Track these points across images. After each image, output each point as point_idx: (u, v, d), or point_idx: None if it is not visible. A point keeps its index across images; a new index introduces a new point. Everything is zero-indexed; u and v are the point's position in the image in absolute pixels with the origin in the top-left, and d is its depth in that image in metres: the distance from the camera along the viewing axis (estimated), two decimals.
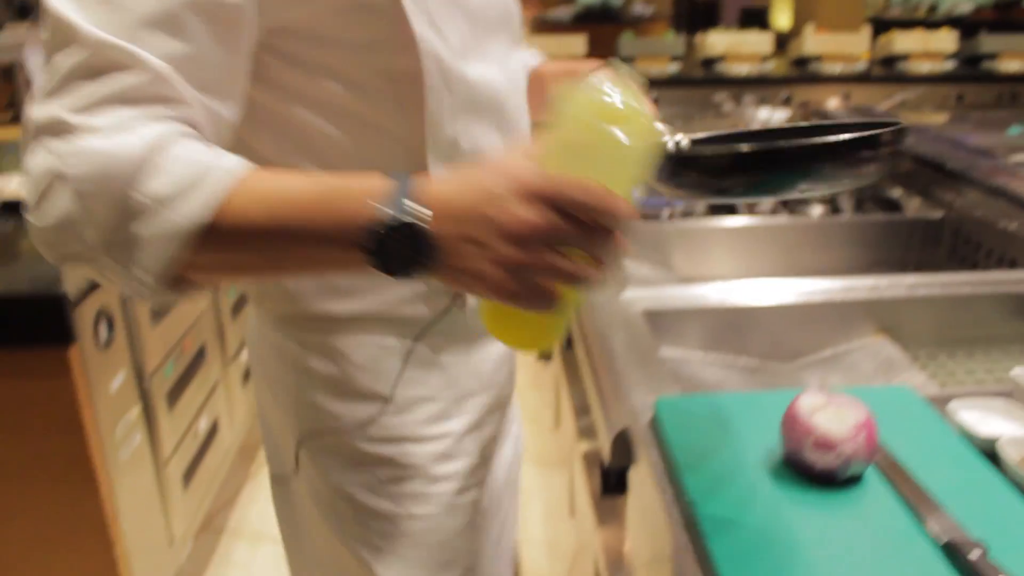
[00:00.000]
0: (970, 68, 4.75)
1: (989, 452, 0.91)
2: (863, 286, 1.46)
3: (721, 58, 4.57)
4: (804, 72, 4.56)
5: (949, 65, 4.73)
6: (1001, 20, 9.55)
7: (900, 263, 1.92)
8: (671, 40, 4.63)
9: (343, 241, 0.67)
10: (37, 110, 0.69)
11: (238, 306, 2.67)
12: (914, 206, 1.98)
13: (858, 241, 1.91)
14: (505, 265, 0.64)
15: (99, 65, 0.68)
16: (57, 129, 0.68)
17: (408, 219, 0.64)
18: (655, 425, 0.99)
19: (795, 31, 6.82)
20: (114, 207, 0.67)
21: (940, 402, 1.02)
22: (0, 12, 1.95)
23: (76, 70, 0.68)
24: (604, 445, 1.06)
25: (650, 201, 1.94)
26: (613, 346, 1.22)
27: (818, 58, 4.66)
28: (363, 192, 0.67)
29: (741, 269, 1.88)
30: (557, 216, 0.63)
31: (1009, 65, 4.74)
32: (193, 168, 0.68)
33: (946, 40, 4.77)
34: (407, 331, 0.97)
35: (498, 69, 0.96)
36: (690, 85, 4.35)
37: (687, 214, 1.95)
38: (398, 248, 0.65)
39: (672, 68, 4.54)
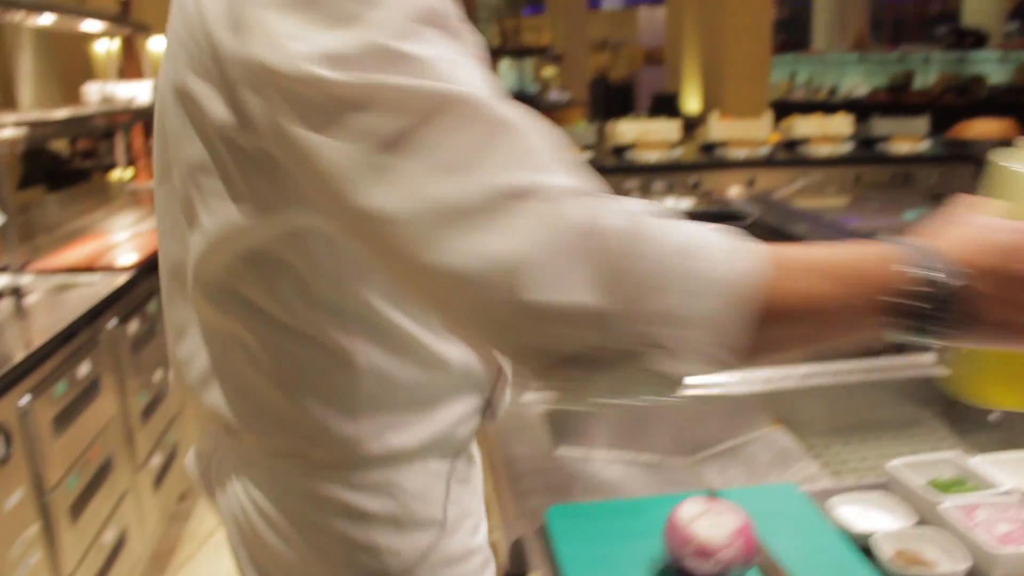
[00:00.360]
0: (866, 150, 4.98)
1: (865, 547, 0.94)
2: (758, 378, 1.50)
3: (632, 146, 4.72)
4: (711, 158, 4.73)
5: (847, 148, 4.95)
6: (894, 102, 10.08)
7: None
8: (583, 129, 4.77)
9: (869, 302, 0.65)
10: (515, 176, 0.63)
11: (148, 410, 2.61)
12: None
13: None
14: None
15: None
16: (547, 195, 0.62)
17: (952, 281, 0.63)
18: (546, 534, 1.00)
19: (703, 117, 7.09)
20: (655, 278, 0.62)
21: (823, 497, 1.05)
22: None
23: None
24: (502, 554, 1.06)
25: None
26: (512, 450, 1.23)
27: (724, 144, 4.83)
28: (889, 260, 0.65)
29: None
30: None
31: (900, 147, 4.99)
32: (731, 242, 0.66)
33: (842, 124, 5.01)
34: (449, 451, 0.95)
35: None
36: (602, 173, 4.46)
37: None
38: (937, 310, 0.64)
39: (585, 155, 4.66)
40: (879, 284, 0.64)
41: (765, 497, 1.02)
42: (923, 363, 1.57)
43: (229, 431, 0.92)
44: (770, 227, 2.41)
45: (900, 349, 1.73)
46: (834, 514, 1.00)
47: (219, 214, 0.78)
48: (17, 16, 2.88)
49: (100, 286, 2.43)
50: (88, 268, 2.65)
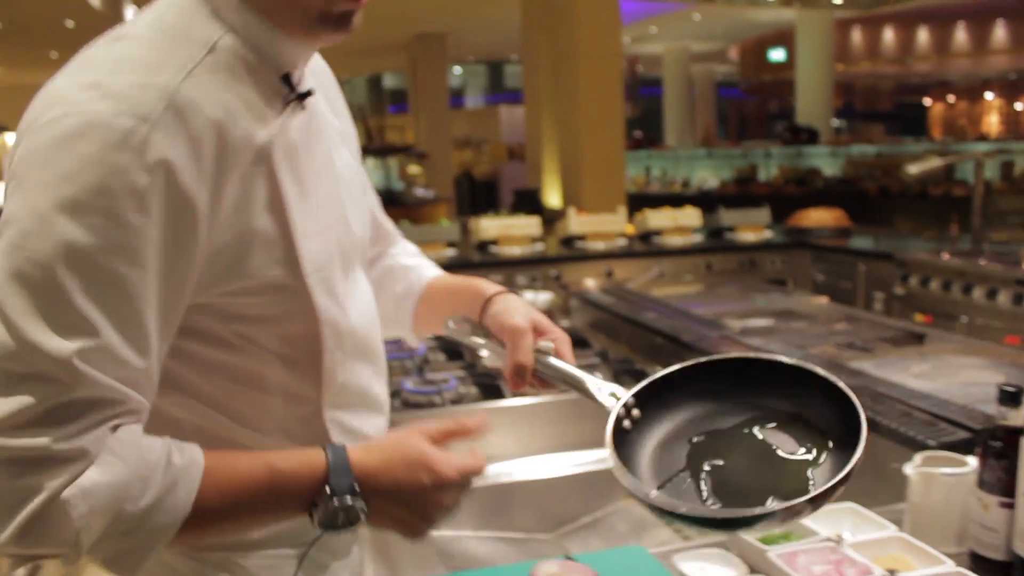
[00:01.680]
0: (715, 240, 5.32)
1: None
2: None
3: (495, 241, 4.90)
4: (571, 251, 4.96)
5: (697, 238, 5.28)
6: (742, 193, 10.74)
7: None
8: (447, 226, 4.93)
9: (292, 513, 0.88)
10: (8, 442, 0.77)
11: None
12: None
13: None
14: (406, 523, 0.93)
15: (79, 399, 0.79)
16: (48, 460, 0.78)
17: (347, 503, 0.87)
18: None
19: (563, 211, 7.39)
20: (111, 524, 0.79)
21: (668, 556, 1.17)
22: None
23: (51, 406, 0.78)
24: None
25: (420, 389, 2.07)
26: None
27: (583, 237, 5.08)
28: (310, 477, 0.87)
29: (514, 447, 2.02)
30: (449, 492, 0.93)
31: (746, 236, 5.36)
32: (167, 475, 0.82)
33: (692, 216, 5.34)
34: (299, 541, 1.02)
35: (364, 302, 1.09)
36: (467, 268, 4.62)
37: (457, 400, 2.09)
38: (337, 518, 0.87)
39: (449, 252, 4.81)
40: (297, 503, 0.88)
41: (616, 559, 1.12)
42: None
43: None
44: (623, 316, 2.58)
45: None
46: (678, 569, 1.12)
47: None
48: None
49: None
50: None
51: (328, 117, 1.09)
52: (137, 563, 0.82)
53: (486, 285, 1.21)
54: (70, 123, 0.80)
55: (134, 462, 0.81)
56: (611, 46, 8.05)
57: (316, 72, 1.11)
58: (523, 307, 1.16)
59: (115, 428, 0.82)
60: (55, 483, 0.77)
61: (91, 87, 0.82)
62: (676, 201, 9.54)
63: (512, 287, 4.50)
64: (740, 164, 12.22)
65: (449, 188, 14.12)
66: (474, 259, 4.74)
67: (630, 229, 5.32)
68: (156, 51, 0.87)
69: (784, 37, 14.84)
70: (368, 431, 1.08)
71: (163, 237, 0.82)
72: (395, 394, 2.07)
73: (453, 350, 2.54)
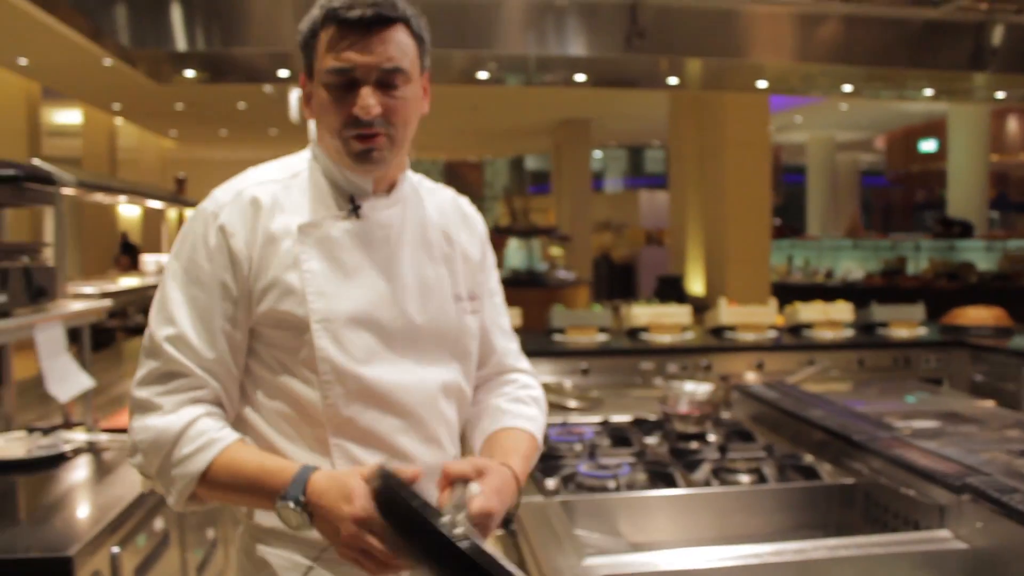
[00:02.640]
0: (866, 335, 5.25)
1: None
2: (790, 549, 1.68)
3: (645, 328, 4.99)
4: (721, 341, 4.99)
5: (848, 332, 5.23)
6: (888, 286, 10.47)
7: (821, 525, 2.15)
8: (599, 312, 5.05)
9: (266, 504, 1.28)
10: (135, 392, 1.36)
11: (202, 565, 2.74)
12: (828, 472, 2.24)
13: (782, 507, 2.15)
14: (337, 542, 1.23)
15: (168, 371, 1.34)
16: (143, 407, 1.34)
17: (299, 505, 1.23)
18: None
19: (709, 301, 7.40)
20: (160, 461, 1.31)
21: None
22: (18, 296, 2.17)
23: (155, 372, 1.35)
24: None
25: (595, 473, 2.17)
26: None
27: (732, 328, 5.11)
28: (279, 481, 1.26)
29: (682, 534, 2.08)
30: (366, 534, 1.19)
31: (899, 332, 5.27)
32: (202, 439, 1.30)
33: (844, 311, 5.30)
34: (309, 552, 1.39)
35: (407, 369, 1.43)
36: (618, 355, 4.71)
37: (630, 485, 2.18)
38: (288, 518, 1.25)
39: (600, 338, 4.92)
40: (269, 495, 1.27)
41: None
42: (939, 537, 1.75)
43: None
44: (788, 412, 2.62)
45: (916, 525, 1.91)
46: None
47: None
48: (98, 196, 3.18)
49: None
50: None
51: (409, 240, 1.49)
52: (176, 493, 1.31)
53: (507, 455, 1.48)
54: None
55: (183, 426, 1.30)
56: (759, 136, 8.13)
57: (439, 213, 1.56)
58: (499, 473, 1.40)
59: (196, 402, 1.33)
60: (135, 420, 1.34)
61: (211, 196, 1.42)
62: (819, 292, 9.40)
63: (663, 374, 4.57)
64: (887, 256, 11.93)
65: (588, 270, 14.28)
66: (624, 345, 4.83)
67: (779, 321, 5.32)
68: (260, 173, 1.45)
69: (935, 127, 14.53)
70: None
71: (219, 271, 1.35)
72: (571, 477, 2.17)
73: (620, 436, 2.62)
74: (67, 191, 2.74)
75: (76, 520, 1.97)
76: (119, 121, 14.56)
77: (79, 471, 2.38)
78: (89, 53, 7.33)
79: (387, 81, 1.36)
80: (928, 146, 15.15)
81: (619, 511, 2.06)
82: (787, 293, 7.59)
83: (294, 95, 10.61)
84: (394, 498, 1.15)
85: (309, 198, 1.41)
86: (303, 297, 1.35)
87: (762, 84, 5.33)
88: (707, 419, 2.67)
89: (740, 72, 5.16)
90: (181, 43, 4.81)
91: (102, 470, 2.40)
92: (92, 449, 2.56)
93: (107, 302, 2.70)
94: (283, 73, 5.41)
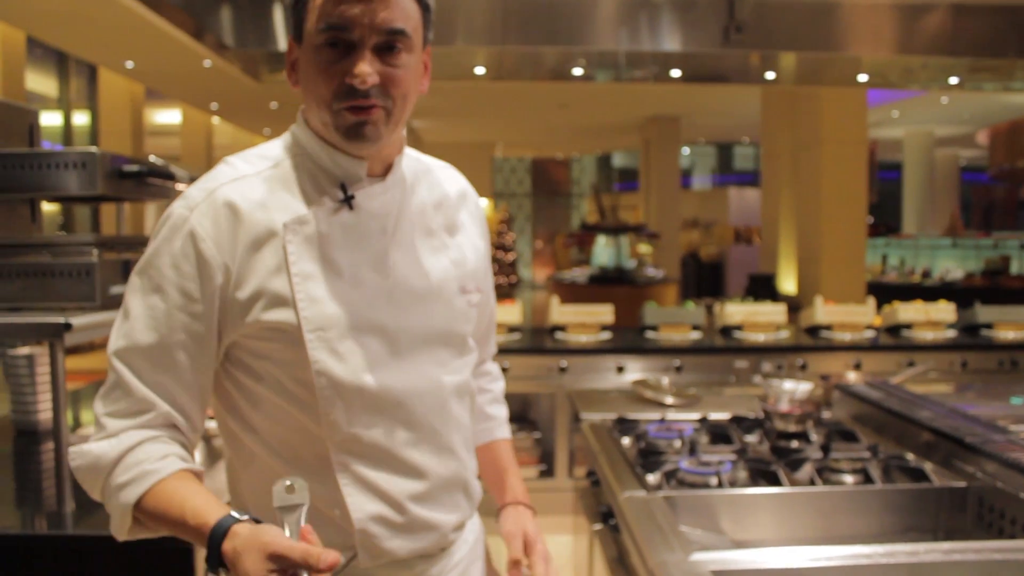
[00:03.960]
0: (970, 337, 5.09)
1: None
2: (902, 551, 1.65)
3: (739, 327, 4.93)
4: (817, 340, 4.90)
5: (950, 333, 5.07)
6: (990, 287, 10.12)
7: (930, 529, 2.10)
8: (692, 310, 5.00)
9: (193, 540, 1.14)
10: (95, 404, 1.22)
11: None
12: (937, 474, 2.18)
13: (889, 508, 2.10)
14: None
15: (115, 387, 1.21)
16: (94, 424, 1.22)
17: (215, 553, 1.08)
18: None
19: (802, 300, 7.27)
20: (99, 488, 1.20)
21: None
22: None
23: (107, 385, 1.22)
24: None
25: (696, 470, 2.16)
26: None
27: (829, 327, 5.01)
28: (201, 526, 1.10)
29: (785, 533, 2.06)
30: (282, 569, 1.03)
31: (1005, 334, 5.09)
32: (136, 470, 1.17)
33: (945, 311, 5.14)
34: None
35: (420, 373, 1.30)
36: (712, 353, 4.67)
37: (732, 482, 2.16)
38: (212, 559, 1.08)
39: (694, 336, 4.88)
40: (193, 536, 1.13)
41: None
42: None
43: None
44: (894, 412, 2.56)
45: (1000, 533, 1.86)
46: None
47: None
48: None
49: None
50: None
51: (407, 230, 1.33)
52: (115, 522, 1.19)
53: (511, 487, 1.60)
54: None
55: (120, 452, 1.17)
56: (856, 132, 7.95)
57: (440, 199, 1.41)
58: (521, 521, 1.55)
59: (142, 426, 1.20)
60: (77, 442, 1.23)
61: (184, 195, 1.24)
62: (916, 292, 9.15)
63: (758, 373, 4.51)
64: (989, 255, 11.53)
65: (676, 268, 14.17)
66: (718, 343, 4.78)
67: (877, 321, 5.19)
68: (233, 168, 1.25)
69: None
70: (394, 492, 1.27)
71: (183, 280, 1.19)
72: (672, 473, 2.17)
73: (719, 433, 2.61)
74: (180, 186, 2.84)
75: None
76: (216, 120, 15.01)
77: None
78: (190, 55, 7.60)
79: (388, 45, 1.19)
80: None
81: (722, 508, 2.05)
82: (882, 293, 7.41)
83: None
84: None
85: (294, 190, 1.24)
86: (294, 304, 1.20)
87: (862, 78, 5.21)
88: (808, 418, 2.63)
89: (839, 66, 5.05)
90: (282, 43, 4.94)
91: (212, 456, 2.49)
92: (204, 438, 2.66)
93: None
94: None
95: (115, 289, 2.16)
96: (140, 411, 1.19)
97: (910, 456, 2.33)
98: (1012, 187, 17.73)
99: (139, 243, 2.35)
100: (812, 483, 2.15)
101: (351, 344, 1.23)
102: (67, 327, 1.88)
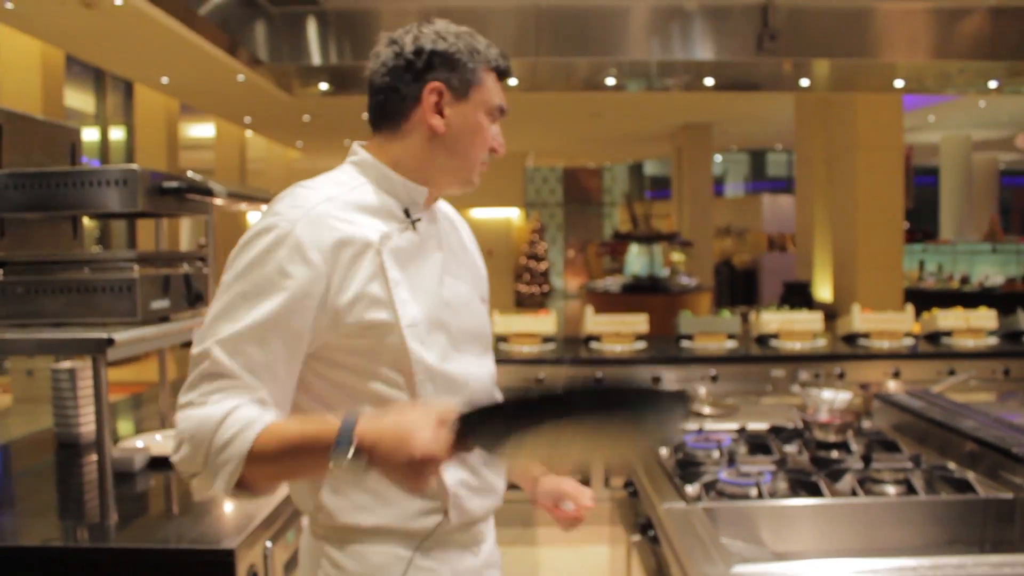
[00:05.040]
0: (1012, 344, 5.00)
1: None
2: (950, 564, 1.62)
3: (775, 335, 4.89)
4: (855, 348, 4.84)
5: (992, 340, 4.99)
6: None
7: (977, 542, 2.07)
8: (728, 319, 4.97)
9: (320, 464, 1.23)
10: (179, 398, 1.32)
11: None
12: (983, 485, 2.15)
13: (933, 520, 2.07)
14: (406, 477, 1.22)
15: (213, 372, 1.30)
16: (185, 407, 1.30)
17: (351, 453, 1.20)
18: None
19: (838, 307, 7.19)
20: (205, 447, 1.27)
21: None
22: (178, 301, 2.29)
23: (201, 374, 1.31)
24: None
25: (736, 481, 2.14)
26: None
27: (866, 335, 4.95)
28: (326, 429, 1.23)
29: (827, 544, 2.04)
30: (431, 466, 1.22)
31: None
32: (243, 421, 1.26)
33: (986, 318, 5.06)
34: (410, 543, 1.44)
35: (471, 363, 1.55)
36: (748, 362, 4.63)
37: (772, 493, 2.14)
38: (349, 464, 1.21)
39: (729, 344, 4.85)
40: (322, 453, 1.22)
41: None
42: None
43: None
44: (937, 422, 2.52)
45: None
46: None
47: None
48: (242, 205, 3.32)
49: None
50: None
51: (448, 249, 1.60)
52: (224, 477, 1.26)
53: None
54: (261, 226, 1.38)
55: (224, 413, 1.27)
56: (892, 139, 7.86)
57: (455, 224, 1.69)
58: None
59: (238, 399, 1.29)
60: (177, 418, 1.31)
61: (282, 208, 1.38)
62: (955, 298, 9.02)
63: (795, 382, 4.46)
64: None
65: (709, 276, 14.08)
66: (754, 352, 4.74)
67: (916, 328, 5.12)
68: (317, 191, 1.43)
69: None
70: (471, 459, 1.45)
71: (290, 286, 1.33)
72: (711, 484, 2.15)
73: (758, 443, 2.58)
74: (218, 201, 2.87)
75: (230, 515, 2.06)
76: (249, 134, 15.17)
77: None
78: (224, 69, 7.68)
79: None
80: None
81: (762, 519, 2.03)
82: (920, 299, 7.29)
83: None
84: (490, 413, 1.25)
85: (370, 211, 1.45)
86: (391, 305, 1.40)
87: (898, 84, 5.16)
88: (848, 428, 2.60)
89: (874, 72, 5.00)
90: (316, 57, 4.98)
91: None
92: None
93: None
94: None
95: (156, 304, 2.19)
96: (239, 388, 1.31)
97: (954, 466, 2.30)
98: None
99: (178, 259, 2.37)
100: (854, 494, 2.13)
101: (432, 337, 1.45)
102: (110, 342, 1.91)
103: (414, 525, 1.44)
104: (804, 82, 5.04)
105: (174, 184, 2.24)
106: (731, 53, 4.34)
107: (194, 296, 2.38)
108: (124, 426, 3.26)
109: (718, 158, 21.03)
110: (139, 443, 2.60)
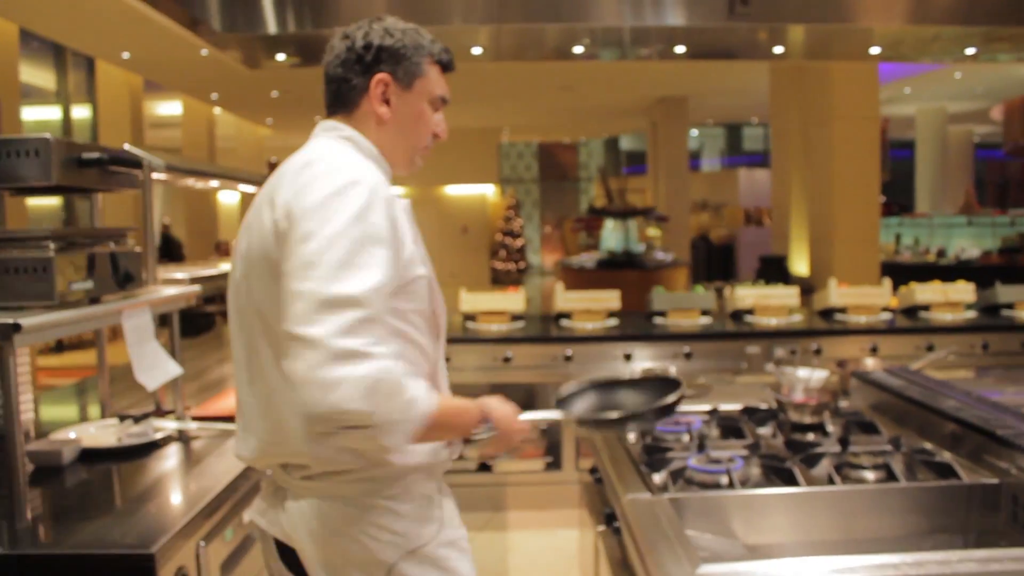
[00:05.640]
0: (990, 317, 4.90)
1: None
2: (933, 560, 1.49)
3: (750, 311, 4.76)
4: (833, 323, 4.72)
5: (970, 314, 4.89)
6: (1007, 265, 9.90)
7: (959, 531, 1.94)
8: (702, 294, 4.83)
9: (466, 431, 1.59)
10: (336, 341, 1.33)
11: None
12: (966, 470, 2.02)
13: (915, 508, 1.94)
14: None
15: (370, 319, 1.38)
16: (351, 356, 1.32)
17: (487, 431, 1.60)
18: None
19: (815, 282, 7.09)
20: (387, 402, 1.34)
21: None
22: (105, 281, 2.13)
23: (358, 320, 1.36)
24: None
25: (707, 468, 2.00)
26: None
27: (843, 310, 4.83)
28: (475, 413, 1.59)
29: (803, 536, 1.91)
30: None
31: None
32: (423, 387, 1.44)
33: (964, 291, 4.96)
34: (436, 473, 1.67)
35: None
36: (722, 338, 4.50)
37: (744, 481, 2.00)
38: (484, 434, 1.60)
39: (703, 321, 4.72)
40: (472, 425, 1.58)
41: None
42: None
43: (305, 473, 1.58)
44: (917, 402, 2.40)
45: None
46: None
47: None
48: (189, 181, 3.14)
49: None
50: None
51: None
52: (403, 434, 1.39)
53: None
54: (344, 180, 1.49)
55: (404, 371, 1.40)
56: (868, 108, 7.73)
57: None
58: None
59: (396, 356, 1.41)
60: (343, 368, 1.33)
61: (346, 166, 1.52)
62: (931, 271, 8.95)
63: (770, 359, 4.34)
64: (1006, 233, 11.29)
65: (686, 251, 13.96)
66: (729, 328, 4.61)
67: (893, 302, 5.01)
68: (358, 160, 1.58)
69: None
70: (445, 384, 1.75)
71: (396, 235, 1.50)
72: (680, 472, 2.01)
73: (730, 426, 2.45)
74: (158, 176, 2.69)
75: (163, 512, 1.90)
76: (217, 111, 14.85)
77: (169, 460, 2.33)
78: (187, 44, 7.43)
79: None
80: None
81: (733, 510, 1.89)
82: (896, 273, 7.18)
83: None
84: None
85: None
86: (423, 260, 1.61)
87: (875, 51, 5.00)
88: (825, 408, 2.47)
89: (850, 38, 4.85)
90: (272, 26, 4.77)
91: (191, 459, 2.34)
92: (182, 438, 2.51)
93: (196, 288, 2.63)
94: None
95: (77, 286, 2.01)
96: (393, 335, 1.49)
97: (935, 449, 2.17)
98: None
99: (103, 236, 2.19)
100: (831, 481, 1.99)
101: (439, 297, 1.68)
102: (16, 328, 1.73)
103: (438, 459, 1.64)
104: (778, 49, 4.88)
105: (95, 155, 2.05)
106: (703, 18, 4.18)
107: (123, 276, 2.20)
108: (64, 414, 3.09)
109: (694, 132, 20.88)
110: (71, 434, 2.43)
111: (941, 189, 16.60)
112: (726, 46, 5.03)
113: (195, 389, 3.32)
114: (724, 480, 1.97)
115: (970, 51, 4.92)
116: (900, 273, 7.76)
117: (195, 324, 5.48)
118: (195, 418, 2.68)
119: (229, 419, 2.69)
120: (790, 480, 1.99)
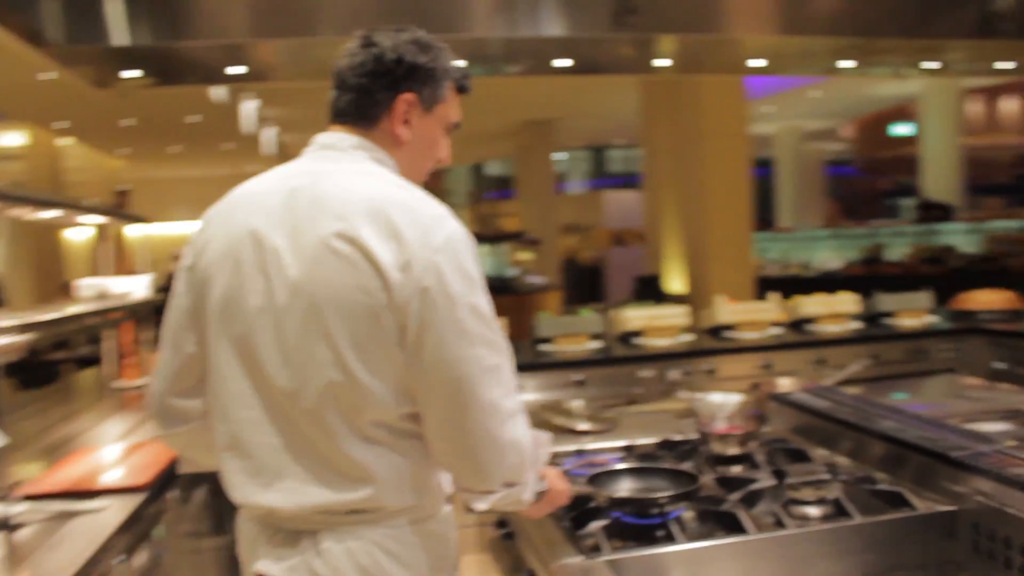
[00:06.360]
0: (875, 327, 4.89)
1: None
2: None
3: (640, 332, 4.58)
4: (723, 341, 4.59)
5: (855, 325, 4.86)
6: (868, 274, 10.20)
7: (918, 566, 1.75)
8: (590, 318, 4.62)
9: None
10: (507, 401, 1.45)
11: None
12: (918, 497, 1.84)
13: (870, 545, 1.74)
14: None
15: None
16: (514, 414, 1.45)
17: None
18: None
19: (692, 299, 7.03)
20: (531, 461, 1.50)
21: None
22: None
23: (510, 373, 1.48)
24: None
25: (642, 521, 1.75)
26: None
27: (731, 327, 4.71)
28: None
29: None
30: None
31: (908, 322, 4.92)
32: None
33: (849, 302, 4.93)
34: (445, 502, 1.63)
35: None
36: (614, 364, 4.29)
37: (683, 529, 1.76)
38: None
39: (593, 345, 4.50)
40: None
41: None
42: None
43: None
44: (849, 424, 2.22)
45: None
46: None
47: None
48: (21, 211, 2.72)
49: (105, 514, 2.15)
50: (86, 491, 2.35)
51: None
52: (534, 488, 1.53)
53: None
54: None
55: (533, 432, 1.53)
56: (737, 125, 7.76)
57: None
58: None
59: None
60: (519, 428, 1.49)
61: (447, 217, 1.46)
62: (798, 284, 9.07)
63: (664, 383, 4.16)
64: (863, 244, 11.68)
65: (556, 274, 13.89)
66: (619, 353, 4.41)
67: (782, 316, 4.93)
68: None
69: (905, 112, 14.35)
70: None
71: None
72: (611, 526, 1.75)
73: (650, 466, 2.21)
74: None
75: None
76: (66, 141, 13.92)
77: None
78: (22, 64, 6.80)
79: None
80: (904, 129, 14.95)
81: (677, 567, 1.64)
82: (767, 287, 7.22)
83: (249, 106, 10.08)
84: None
85: None
86: None
87: (757, 63, 4.93)
88: (750, 438, 2.26)
89: (731, 49, 4.76)
90: (121, 37, 4.29)
91: (13, 556, 1.92)
92: (5, 526, 2.07)
93: (23, 337, 2.22)
94: (234, 70, 4.84)
95: None
96: None
97: (878, 476, 1.99)
98: (872, 178, 18.25)
99: None
100: (779, 522, 1.76)
101: None
102: None
103: (449, 488, 1.57)
104: (661, 62, 4.74)
105: None
106: (585, 29, 3.98)
107: None
108: None
109: (561, 155, 21.00)
110: None
111: (800, 205, 17.15)
112: (608, 59, 4.86)
113: (33, 454, 2.86)
114: (660, 532, 1.72)
115: (849, 64, 4.91)
116: (770, 286, 7.80)
117: (36, 375, 4.90)
118: (28, 497, 2.25)
119: (77, 494, 2.28)
120: (734, 525, 1.75)
